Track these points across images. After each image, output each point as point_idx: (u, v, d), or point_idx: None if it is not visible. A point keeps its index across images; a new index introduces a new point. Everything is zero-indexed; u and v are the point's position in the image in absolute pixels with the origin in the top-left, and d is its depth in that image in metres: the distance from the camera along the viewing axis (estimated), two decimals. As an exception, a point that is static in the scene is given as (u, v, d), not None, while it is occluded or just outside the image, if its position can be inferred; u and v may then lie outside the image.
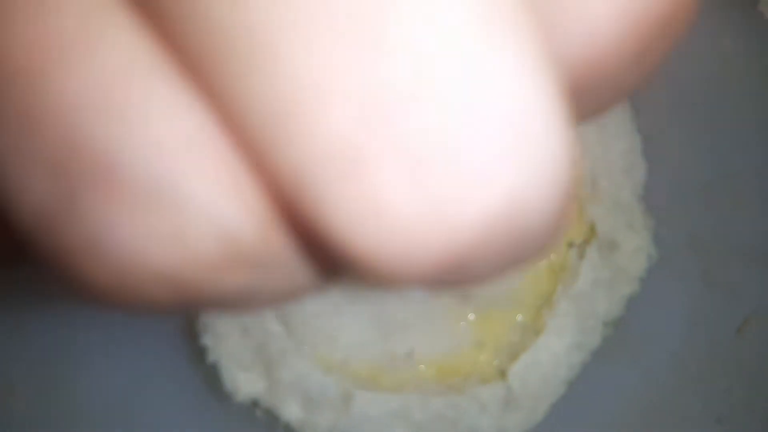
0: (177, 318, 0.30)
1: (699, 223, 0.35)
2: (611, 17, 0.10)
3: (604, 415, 0.33)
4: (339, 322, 0.29)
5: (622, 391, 0.34)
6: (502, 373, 0.30)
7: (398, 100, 0.08)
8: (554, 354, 0.30)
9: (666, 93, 0.36)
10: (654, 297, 0.34)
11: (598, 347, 0.32)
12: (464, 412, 0.29)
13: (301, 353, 0.28)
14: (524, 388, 0.30)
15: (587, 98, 0.11)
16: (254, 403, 0.28)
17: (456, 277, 0.09)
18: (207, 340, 0.28)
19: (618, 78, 0.11)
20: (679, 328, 0.35)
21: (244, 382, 0.27)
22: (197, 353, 0.29)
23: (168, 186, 0.09)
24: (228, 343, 0.27)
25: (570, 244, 0.32)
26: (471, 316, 0.31)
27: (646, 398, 0.34)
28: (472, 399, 0.29)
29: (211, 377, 0.28)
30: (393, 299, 0.30)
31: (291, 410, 0.28)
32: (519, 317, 0.31)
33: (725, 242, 0.35)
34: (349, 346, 0.29)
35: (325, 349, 0.29)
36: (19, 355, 0.30)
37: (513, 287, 0.31)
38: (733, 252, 0.35)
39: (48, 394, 0.30)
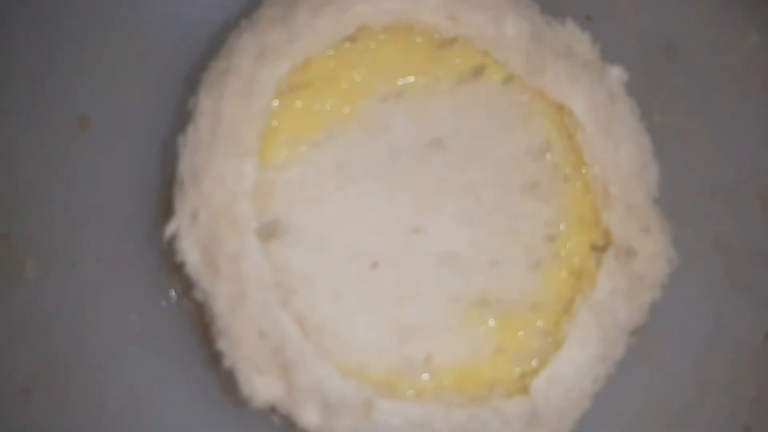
0: (192, 323, 0.30)
1: (725, 224, 0.35)
2: None
3: (626, 425, 0.33)
4: (355, 327, 0.29)
5: (647, 402, 0.33)
6: (525, 387, 0.29)
7: None
8: (577, 367, 0.30)
9: (691, 90, 0.36)
10: (677, 302, 0.33)
11: (623, 358, 0.31)
12: (487, 425, 0.29)
13: (318, 357, 0.28)
14: (548, 403, 0.29)
15: None
16: (272, 409, 0.28)
17: None
18: (222, 345, 0.28)
19: None
20: (704, 333, 0.34)
21: (262, 386, 0.27)
22: (213, 358, 0.29)
23: None
24: (244, 347, 0.27)
25: (593, 247, 0.31)
26: (491, 322, 0.30)
27: (672, 407, 0.33)
28: (496, 412, 0.29)
29: (227, 382, 0.28)
30: (410, 304, 0.30)
31: (309, 416, 0.28)
32: (540, 323, 0.30)
33: (752, 244, 0.35)
34: (365, 352, 0.29)
35: (341, 354, 0.29)
36: (36, 357, 0.31)
37: (533, 291, 0.31)
38: (761, 254, 0.35)
39: (64, 397, 0.30)
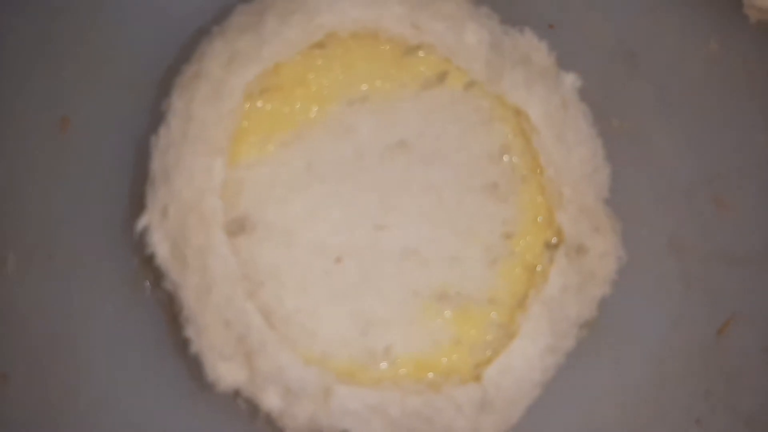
0: (163, 312, 0.32)
1: (680, 226, 0.36)
2: None
3: (580, 417, 0.34)
4: (319, 319, 0.30)
5: (600, 394, 0.34)
6: (478, 376, 0.31)
7: None
8: (528, 357, 0.31)
9: (649, 96, 0.37)
10: (631, 299, 0.35)
11: (573, 350, 0.32)
12: (440, 411, 0.30)
13: (281, 345, 0.29)
14: (499, 391, 0.30)
15: None
16: (236, 393, 0.29)
17: None
18: (190, 332, 0.29)
19: None
20: (657, 329, 0.35)
21: (226, 371, 0.29)
22: (181, 345, 0.30)
23: None
24: (210, 334, 0.29)
25: (547, 245, 0.33)
26: (449, 315, 0.31)
27: (624, 400, 0.34)
28: (449, 399, 0.30)
29: (194, 368, 0.30)
30: (372, 297, 0.31)
31: (271, 400, 0.29)
32: (495, 316, 0.32)
33: (707, 244, 0.36)
34: (328, 341, 0.30)
35: (306, 344, 0.30)
36: (14, 345, 0.32)
37: (490, 286, 0.32)
38: (715, 254, 0.36)
39: (41, 383, 0.32)
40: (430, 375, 0.31)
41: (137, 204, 0.31)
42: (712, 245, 0.36)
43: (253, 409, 0.30)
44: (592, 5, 0.37)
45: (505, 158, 0.33)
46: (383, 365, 0.31)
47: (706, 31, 0.38)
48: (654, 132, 0.37)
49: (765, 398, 0.35)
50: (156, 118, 0.31)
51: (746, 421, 0.35)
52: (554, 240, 0.33)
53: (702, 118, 0.37)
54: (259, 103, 0.31)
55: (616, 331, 0.35)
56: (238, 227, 0.30)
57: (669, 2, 0.37)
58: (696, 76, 0.38)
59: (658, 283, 0.36)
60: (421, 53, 0.33)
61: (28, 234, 0.32)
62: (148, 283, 0.32)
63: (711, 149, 0.37)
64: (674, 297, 0.36)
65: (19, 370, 0.32)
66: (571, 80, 0.33)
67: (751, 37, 0.37)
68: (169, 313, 0.31)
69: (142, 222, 0.30)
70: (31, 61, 0.33)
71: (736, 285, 0.36)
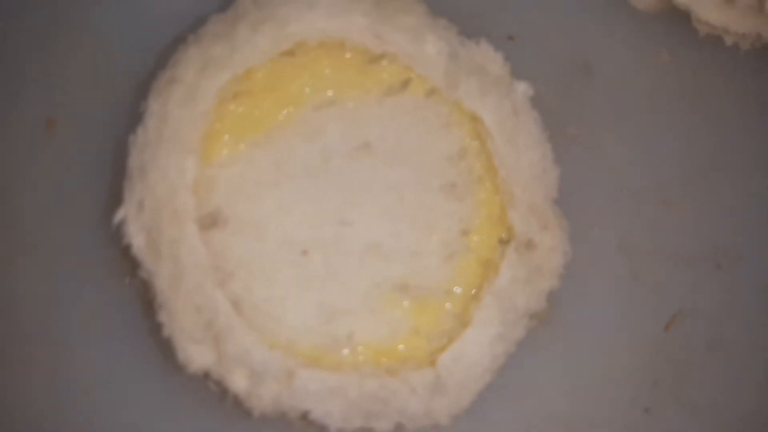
0: (139, 299, 0.33)
1: (629, 225, 0.38)
2: None
3: (530, 404, 0.36)
4: (286, 307, 0.32)
5: (550, 381, 0.36)
6: (433, 362, 0.32)
7: None
8: (479, 345, 0.33)
9: (603, 104, 0.39)
10: (581, 294, 0.36)
11: (524, 339, 0.34)
12: (395, 393, 0.32)
13: (248, 331, 0.31)
14: (451, 376, 0.32)
15: None
16: (206, 375, 0.31)
17: None
18: (162, 317, 0.31)
19: None
20: (606, 323, 0.37)
21: (195, 354, 0.30)
22: (155, 329, 0.32)
23: None
24: (181, 319, 0.30)
25: (500, 241, 0.34)
26: (408, 305, 0.33)
27: (574, 388, 0.36)
28: (404, 382, 0.32)
29: (167, 351, 0.31)
30: (336, 287, 0.33)
31: (238, 382, 0.31)
32: (449, 306, 0.34)
33: (654, 244, 0.38)
34: (294, 328, 0.32)
35: (272, 330, 0.32)
36: (0, 332, 0.33)
37: (447, 278, 0.34)
38: (662, 253, 0.38)
39: (25, 368, 0.33)
40: (389, 361, 0.32)
41: (116, 198, 0.32)
42: (660, 245, 0.38)
43: (222, 390, 0.31)
44: (549, 18, 0.39)
45: (463, 161, 0.35)
46: (345, 351, 0.32)
47: (658, 43, 0.39)
48: (607, 139, 0.38)
49: (710, 389, 0.37)
50: (134, 118, 0.33)
51: (692, 411, 0.37)
52: (506, 236, 0.35)
53: (652, 125, 0.39)
54: (231, 107, 0.33)
55: (566, 324, 0.36)
56: (210, 221, 0.32)
57: (623, 15, 0.39)
58: (647, 86, 0.39)
59: (607, 279, 0.37)
60: (384, 62, 0.34)
61: (14, 226, 0.34)
62: (124, 273, 0.34)
63: (660, 155, 0.39)
64: (623, 293, 0.37)
65: (3, 354, 0.33)
66: (523, 89, 0.35)
67: (700, 48, 0.39)
68: (144, 300, 0.33)
69: (119, 214, 0.31)
70: (19, 66, 0.35)
71: (683, 282, 0.38)
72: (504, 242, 0.34)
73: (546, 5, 0.39)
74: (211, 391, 0.32)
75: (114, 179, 0.34)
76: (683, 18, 0.38)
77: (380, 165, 0.34)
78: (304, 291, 0.32)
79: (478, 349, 0.33)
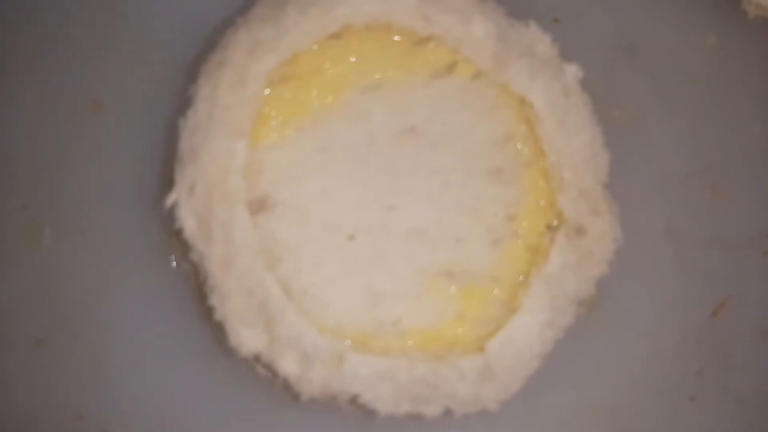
0: (188, 284, 0.33)
1: (675, 212, 0.37)
2: None
3: (577, 390, 0.35)
4: (333, 292, 0.32)
5: (597, 368, 0.36)
6: (481, 347, 0.32)
7: None
8: (528, 331, 0.32)
9: (649, 88, 0.38)
10: (629, 281, 0.36)
11: (572, 325, 0.34)
12: (445, 378, 0.31)
13: (298, 314, 0.31)
14: (500, 361, 0.32)
15: None
16: (256, 358, 0.31)
17: None
18: (214, 301, 0.31)
19: None
20: (653, 310, 0.36)
21: (247, 337, 0.30)
22: (206, 313, 0.32)
23: None
24: (232, 302, 0.30)
25: (548, 227, 0.34)
26: (454, 291, 0.33)
27: (620, 375, 0.36)
28: (453, 368, 0.32)
29: (218, 335, 0.31)
30: (382, 272, 0.33)
31: (289, 365, 0.31)
32: (496, 292, 0.33)
33: (701, 230, 0.37)
34: (341, 313, 0.32)
35: (320, 314, 0.32)
36: (49, 313, 0.34)
37: (493, 264, 0.34)
38: (709, 240, 0.37)
39: (73, 349, 0.34)
40: (436, 346, 0.32)
41: (166, 182, 0.32)
42: (707, 231, 0.38)
43: (272, 374, 0.32)
44: (595, 0, 0.38)
45: (510, 145, 0.34)
46: (392, 336, 0.32)
47: (705, 25, 0.39)
48: (652, 122, 0.38)
49: (756, 377, 0.37)
50: (184, 102, 0.33)
51: (737, 399, 0.37)
52: (555, 222, 0.34)
53: (699, 109, 0.38)
54: (279, 90, 0.33)
55: (613, 310, 0.36)
56: (258, 205, 0.32)
57: (670, -2, 0.38)
58: (694, 69, 0.39)
59: (654, 265, 0.37)
60: (431, 44, 0.34)
61: (63, 209, 0.34)
62: (173, 257, 0.34)
63: (707, 139, 0.38)
64: (670, 279, 0.37)
65: (54, 336, 0.34)
66: (573, 71, 0.35)
67: (749, 31, 0.38)
68: (195, 284, 0.33)
69: (171, 198, 0.31)
70: (71, 50, 0.35)
71: (730, 269, 0.37)
72: (553, 228, 0.34)
73: (592, -15, 0.38)
74: (260, 375, 0.32)
75: (164, 163, 0.34)
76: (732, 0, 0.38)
77: (426, 149, 0.34)
78: (351, 276, 0.32)
79: (526, 335, 0.33)
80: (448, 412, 0.32)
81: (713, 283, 0.37)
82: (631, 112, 0.38)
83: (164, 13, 0.36)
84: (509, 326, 0.33)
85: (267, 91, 0.32)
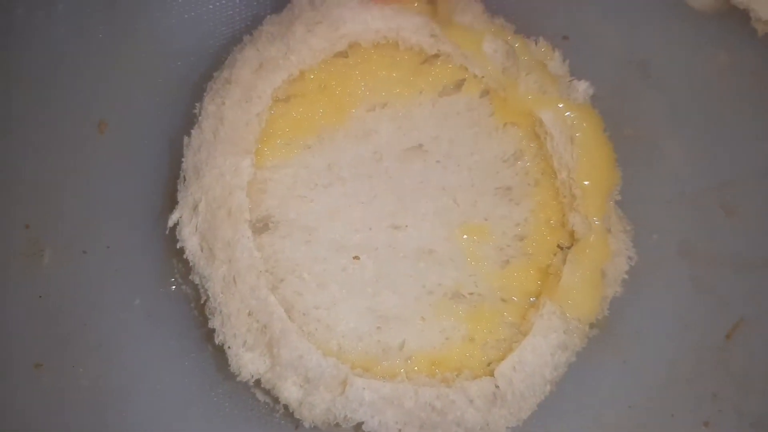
0: (189, 307, 0.33)
1: (689, 231, 0.37)
2: None
3: (590, 415, 0.34)
4: (336, 314, 0.31)
5: (610, 392, 0.35)
6: (490, 371, 0.31)
7: None
8: (540, 354, 0.31)
9: (660, 105, 0.38)
10: (642, 301, 0.35)
11: (585, 348, 0.33)
12: (453, 403, 0.30)
13: (300, 336, 0.30)
14: (511, 386, 0.31)
15: None
16: (257, 383, 0.30)
17: None
18: (215, 322, 0.30)
19: None
20: (667, 331, 0.36)
21: (248, 361, 0.29)
22: (206, 336, 0.31)
23: None
24: (234, 324, 0.30)
25: (559, 246, 0.33)
26: (462, 313, 0.32)
27: (634, 400, 0.35)
28: (461, 393, 0.31)
29: (218, 359, 0.31)
30: (388, 294, 0.32)
31: (290, 389, 0.30)
32: (506, 314, 0.33)
33: (716, 250, 0.37)
34: (344, 336, 0.31)
35: (323, 337, 0.31)
36: (49, 335, 0.33)
37: (503, 285, 0.33)
38: (724, 259, 0.37)
39: (72, 372, 0.33)
40: (443, 370, 0.32)
41: (169, 201, 0.32)
42: (721, 250, 0.37)
43: (272, 400, 0.31)
44: (606, 17, 0.38)
45: (519, 162, 0.34)
46: (397, 360, 0.31)
47: (716, 42, 0.38)
48: (665, 140, 0.38)
49: (773, 402, 0.35)
50: (189, 120, 0.32)
51: (753, 424, 0.35)
52: (566, 242, 0.33)
53: (711, 127, 0.38)
54: (285, 108, 0.33)
55: (626, 332, 0.35)
56: (262, 225, 0.32)
57: (680, 15, 0.38)
58: (706, 87, 0.38)
59: (667, 286, 0.36)
60: (438, 62, 0.34)
61: (65, 229, 0.34)
62: (174, 279, 0.33)
63: (720, 157, 0.38)
64: (683, 300, 0.36)
65: (53, 359, 0.33)
66: (584, 87, 0.34)
67: (759, 48, 0.38)
68: (195, 306, 0.32)
69: (174, 217, 0.31)
70: (77, 70, 0.35)
71: (744, 290, 0.37)
72: (563, 247, 0.33)
73: (601, 4, 0.38)
74: (259, 402, 0.31)
75: (168, 182, 0.34)
76: (742, 17, 0.37)
77: (433, 167, 0.33)
78: (355, 297, 0.32)
79: (538, 358, 0.32)
80: (456, 439, 0.31)
81: (727, 304, 0.36)
82: (642, 128, 0.38)
83: (171, 32, 0.35)
84: (520, 349, 0.32)
85: (273, 109, 0.32)
